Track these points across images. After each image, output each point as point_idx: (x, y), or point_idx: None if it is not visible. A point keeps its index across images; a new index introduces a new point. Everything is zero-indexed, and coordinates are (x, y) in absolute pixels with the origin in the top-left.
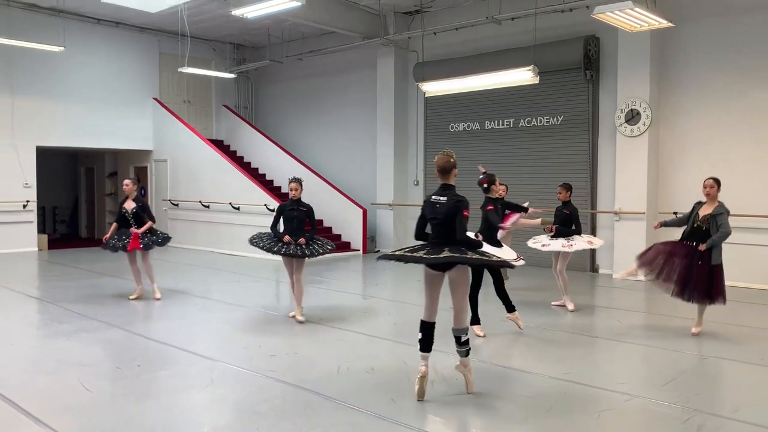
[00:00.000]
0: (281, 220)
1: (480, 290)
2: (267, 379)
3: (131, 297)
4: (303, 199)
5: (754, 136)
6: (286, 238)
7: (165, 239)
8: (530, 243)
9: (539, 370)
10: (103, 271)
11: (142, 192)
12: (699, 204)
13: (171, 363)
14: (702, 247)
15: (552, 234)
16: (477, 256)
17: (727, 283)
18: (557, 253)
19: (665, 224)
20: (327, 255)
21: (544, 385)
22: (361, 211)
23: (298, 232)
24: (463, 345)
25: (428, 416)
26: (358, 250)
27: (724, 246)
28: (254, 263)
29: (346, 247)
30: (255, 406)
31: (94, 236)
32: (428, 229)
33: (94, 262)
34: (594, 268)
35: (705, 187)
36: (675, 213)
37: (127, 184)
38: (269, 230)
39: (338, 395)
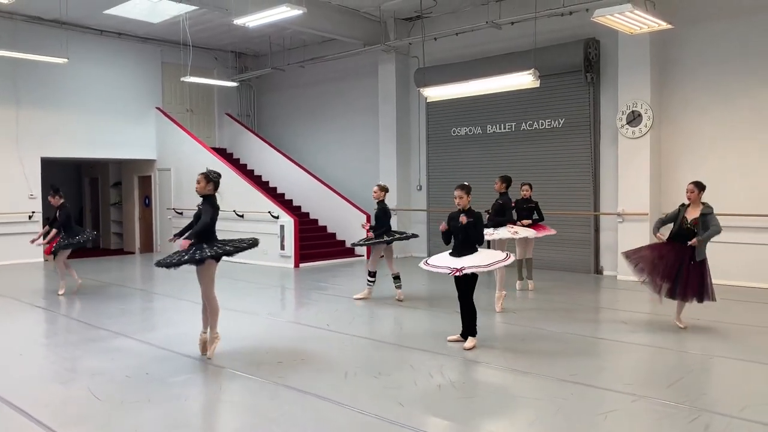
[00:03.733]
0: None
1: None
2: (275, 385)
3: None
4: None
5: (757, 137)
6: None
7: (74, 243)
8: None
9: (546, 371)
10: (109, 281)
11: (146, 201)
12: (684, 206)
13: (180, 370)
14: (694, 241)
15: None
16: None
17: (734, 283)
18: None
19: (659, 228)
20: (330, 261)
21: (551, 387)
22: (365, 216)
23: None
24: None
25: (437, 420)
26: (362, 256)
27: (728, 246)
28: (260, 270)
29: (350, 252)
30: (264, 412)
31: (100, 245)
32: None
33: (100, 272)
34: (598, 270)
35: (687, 191)
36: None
37: (51, 196)
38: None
39: (347, 400)
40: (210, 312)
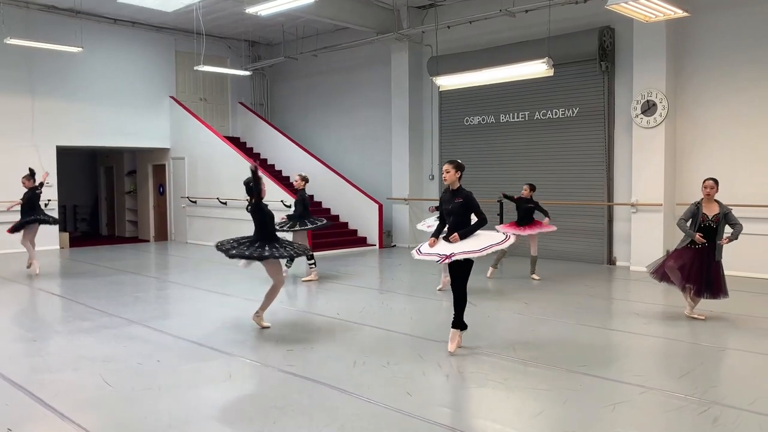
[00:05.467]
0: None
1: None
2: (284, 374)
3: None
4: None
5: None
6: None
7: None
8: (418, 225)
9: (555, 362)
10: (123, 269)
11: (161, 190)
12: (699, 203)
13: (190, 358)
14: (725, 240)
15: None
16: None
17: (746, 274)
18: None
19: (688, 227)
20: (342, 250)
21: (560, 378)
22: (377, 206)
23: None
24: None
25: (444, 410)
26: (375, 245)
27: (741, 238)
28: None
29: (362, 242)
30: (273, 400)
31: (115, 234)
32: None
33: (115, 260)
34: (611, 261)
35: (706, 187)
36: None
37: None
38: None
39: (355, 389)
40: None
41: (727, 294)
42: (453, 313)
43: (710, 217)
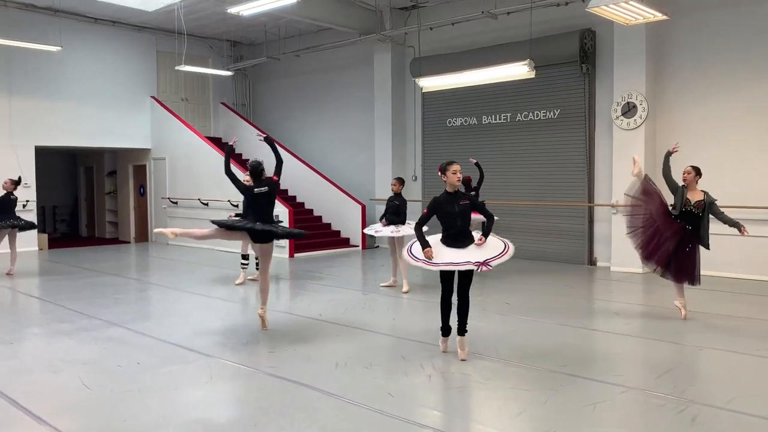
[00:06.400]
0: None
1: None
2: (266, 375)
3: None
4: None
5: (753, 127)
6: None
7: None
8: (366, 230)
9: (536, 363)
10: (103, 270)
11: (141, 191)
12: (684, 187)
13: (171, 360)
14: (744, 232)
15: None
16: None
17: (725, 274)
18: (392, 239)
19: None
20: (325, 251)
21: (541, 378)
22: (360, 207)
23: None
24: None
25: (426, 411)
26: (358, 246)
27: (723, 238)
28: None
29: (345, 243)
30: (254, 402)
31: (95, 235)
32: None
33: (95, 261)
34: (592, 261)
35: (684, 173)
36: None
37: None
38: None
39: (337, 390)
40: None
41: (699, 281)
42: (457, 320)
43: (692, 203)
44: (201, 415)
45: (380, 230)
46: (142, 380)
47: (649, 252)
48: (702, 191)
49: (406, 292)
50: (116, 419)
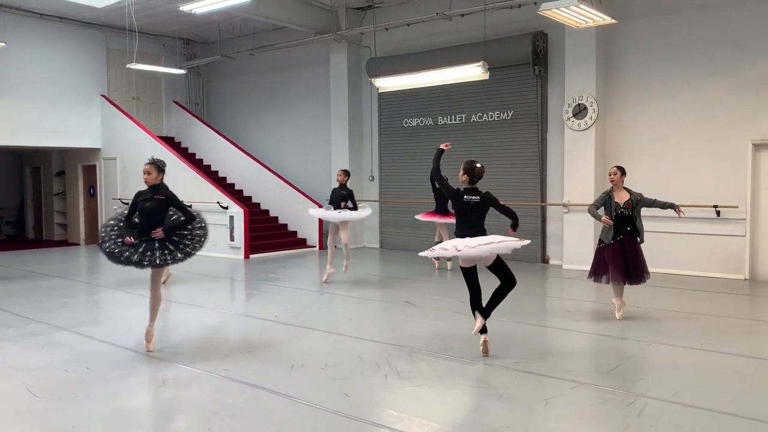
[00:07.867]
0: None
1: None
2: (221, 378)
3: None
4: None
5: (698, 128)
6: (128, 239)
7: None
8: (311, 211)
9: (489, 360)
10: (51, 273)
11: (91, 191)
12: (609, 192)
13: (121, 365)
14: (681, 213)
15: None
16: None
17: (670, 271)
18: (335, 226)
19: (598, 213)
20: (281, 252)
21: (494, 375)
22: (317, 207)
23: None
24: None
25: (381, 410)
26: (314, 247)
27: (668, 236)
28: (209, 262)
29: (302, 243)
30: (208, 405)
31: (42, 237)
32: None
33: (42, 264)
34: (545, 259)
35: (609, 174)
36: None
37: None
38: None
39: (292, 392)
40: (158, 303)
41: (648, 274)
42: (489, 302)
43: (621, 205)
44: (153, 420)
45: (326, 214)
46: (92, 386)
47: (599, 271)
48: (627, 190)
49: (346, 272)
50: (64, 427)
